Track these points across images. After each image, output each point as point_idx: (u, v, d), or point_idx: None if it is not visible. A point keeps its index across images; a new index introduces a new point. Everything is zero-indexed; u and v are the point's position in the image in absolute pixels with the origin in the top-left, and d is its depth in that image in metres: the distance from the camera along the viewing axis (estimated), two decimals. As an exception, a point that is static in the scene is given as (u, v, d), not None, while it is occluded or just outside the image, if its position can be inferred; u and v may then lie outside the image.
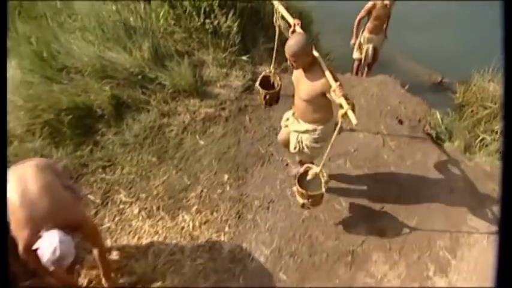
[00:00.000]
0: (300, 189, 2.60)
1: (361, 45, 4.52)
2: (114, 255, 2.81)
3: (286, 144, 2.99)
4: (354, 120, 2.20)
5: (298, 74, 2.58)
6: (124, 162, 3.42)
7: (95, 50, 3.82)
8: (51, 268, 2.05)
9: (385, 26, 4.39)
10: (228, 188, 3.28)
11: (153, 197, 3.21)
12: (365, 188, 3.35)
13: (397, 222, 3.11)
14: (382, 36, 4.44)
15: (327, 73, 2.38)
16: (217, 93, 4.05)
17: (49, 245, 1.96)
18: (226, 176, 3.36)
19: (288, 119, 2.89)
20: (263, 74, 3.10)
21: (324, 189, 2.58)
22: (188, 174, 3.36)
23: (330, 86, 2.33)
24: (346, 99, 2.23)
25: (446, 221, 3.15)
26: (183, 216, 3.09)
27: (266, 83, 3.06)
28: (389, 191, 3.32)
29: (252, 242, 2.94)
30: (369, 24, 4.34)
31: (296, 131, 2.78)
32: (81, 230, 2.28)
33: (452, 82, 4.93)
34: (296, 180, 2.66)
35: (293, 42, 2.36)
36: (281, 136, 3.07)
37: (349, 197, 3.26)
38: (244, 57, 4.28)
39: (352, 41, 4.51)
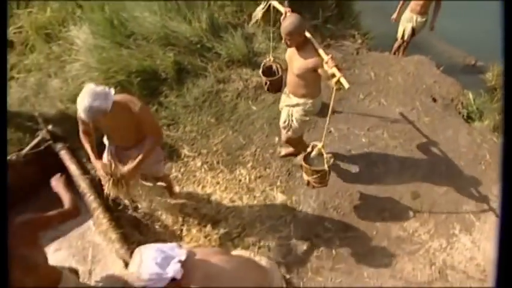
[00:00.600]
0: (305, 165, 2.83)
1: (401, 23, 4.78)
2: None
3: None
4: (346, 84, 2.38)
5: (291, 52, 2.80)
6: (186, 122, 3.85)
7: (159, 19, 4.19)
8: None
9: (433, 18, 4.57)
10: (278, 149, 3.70)
11: (213, 153, 3.65)
12: (400, 156, 3.72)
13: (429, 187, 3.50)
14: (424, 18, 4.64)
15: (320, 50, 2.60)
16: (267, 64, 4.41)
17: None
18: (276, 139, 3.78)
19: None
20: (264, 62, 3.30)
21: (326, 166, 2.75)
22: (243, 135, 3.79)
23: (321, 62, 2.52)
24: (338, 69, 2.43)
25: (473, 189, 3.53)
26: (240, 171, 3.53)
27: (269, 71, 3.29)
28: (422, 160, 3.69)
29: (300, 195, 3.38)
30: (412, 4, 4.57)
31: (287, 105, 3.05)
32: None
33: (486, 65, 5.18)
34: (302, 158, 2.91)
35: (288, 23, 2.59)
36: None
37: (386, 163, 3.65)
38: (292, 32, 4.60)
39: (393, 16, 4.75)
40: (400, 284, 2.94)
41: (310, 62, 2.66)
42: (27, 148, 3.10)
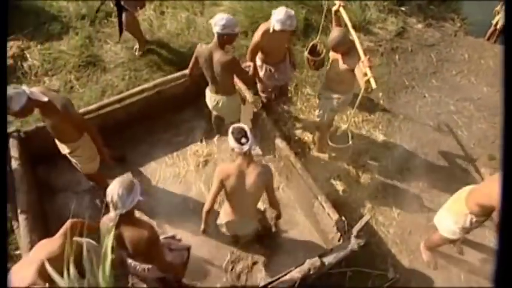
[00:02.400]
0: (331, 144, 3.48)
1: (498, 12, 5.29)
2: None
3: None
4: (373, 85, 2.81)
5: (334, 56, 3.28)
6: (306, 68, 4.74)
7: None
8: None
9: None
10: (381, 102, 4.54)
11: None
12: (483, 126, 4.44)
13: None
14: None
15: (360, 51, 2.96)
16: (376, 32, 5.19)
17: None
18: (380, 94, 4.61)
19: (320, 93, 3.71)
20: (311, 43, 3.87)
21: (350, 142, 3.41)
22: (353, 86, 4.65)
23: (357, 62, 2.95)
24: (370, 69, 2.88)
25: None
26: (350, 113, 4.42)
27: (313, 51, 3.87)
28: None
29: (397, 139, 4.23)
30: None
31: (324, 97, 3.57)
32: None
33: None
34: (328, 137, 3.54)
35: (330, 39, 3.08)
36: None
37: (470, 129, 4.39)
38: (402, 8, 5.31)
39: (497, 8, 5.26)
40: None
41: (350, 64, 3.13)
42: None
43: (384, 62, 4.94)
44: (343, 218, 2.94)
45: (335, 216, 2.93)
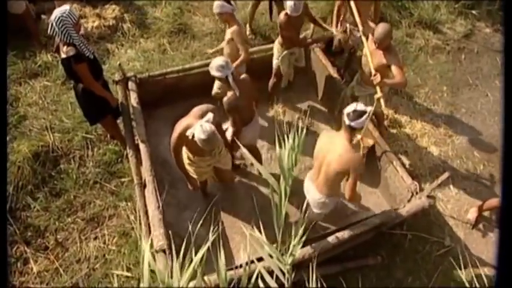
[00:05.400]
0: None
1: None
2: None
3: None
4: (383, 105, 3.29)
5: (373, 50, 3.39)
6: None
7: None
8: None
9: None
10: (445, 95, 4.87)
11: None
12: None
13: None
14: None
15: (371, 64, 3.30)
16: (445, 32, 5.50)
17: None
18: (445, 88, 4.93)
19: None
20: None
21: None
22: (420, 77, 4.99)
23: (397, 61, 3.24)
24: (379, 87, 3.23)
25: None
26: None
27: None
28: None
29: (458, 130, 4.54)
30: None
31: (365, 95, 3.72)
32: None
33: None
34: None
35: (379, 31, 3.22)
36: None
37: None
38: (472, 11, 5.60)
39: None
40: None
41: (389, 59, 3.27)
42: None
43: (449, 59, 5.25)
44: (416, 183, 3.31)
45: (408, 180, 3.30)
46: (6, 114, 4.10)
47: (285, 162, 1.53)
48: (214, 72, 3.04)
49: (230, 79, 3.02)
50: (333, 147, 2.71)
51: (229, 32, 3.68)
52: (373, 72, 3.31)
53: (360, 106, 2.59)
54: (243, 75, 3.25)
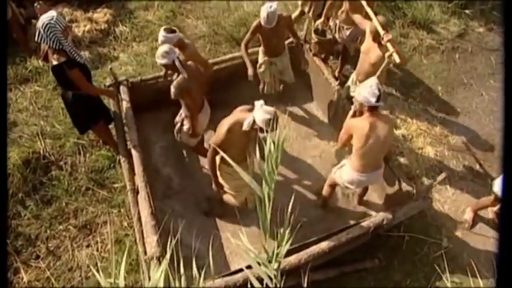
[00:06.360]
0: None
1: None
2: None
3: None
4: (397, 59, 3.07)
5: (369, 45, 3.46)
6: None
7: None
8: None
9: None
10: (440, 94, 4.85)
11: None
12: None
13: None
14: None
15: (378, 26, 3.22)
16: (439, 31, 5.49)
17: None
18: (439, 88, 4.91)
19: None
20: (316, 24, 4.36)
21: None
22: (414, 77, 4.97)
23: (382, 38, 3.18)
24: (393, 45, 3.15)
25: None
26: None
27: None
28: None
29: (454, 130, 4.52)
30: None
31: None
32: None
33: None
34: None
35: (375, 25, 3.30)
36: None
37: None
38: (466, 11, 5.60)
39: None
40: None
41: (384, 51, 3.28)
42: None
43: (444, 59, 5.24)
44: (413, 184, 3.28)
45: (405, 181, 3.27)
46: (7, 116, 4.00)
47: (266, 165, 1.51)
48: (160, 60, 3.10)
49: (177, 63, 3.07)
50: (377, 131, 2.85)
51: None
52: (381, 32, 3.23)
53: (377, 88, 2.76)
54: (189, 62, 3.28)
